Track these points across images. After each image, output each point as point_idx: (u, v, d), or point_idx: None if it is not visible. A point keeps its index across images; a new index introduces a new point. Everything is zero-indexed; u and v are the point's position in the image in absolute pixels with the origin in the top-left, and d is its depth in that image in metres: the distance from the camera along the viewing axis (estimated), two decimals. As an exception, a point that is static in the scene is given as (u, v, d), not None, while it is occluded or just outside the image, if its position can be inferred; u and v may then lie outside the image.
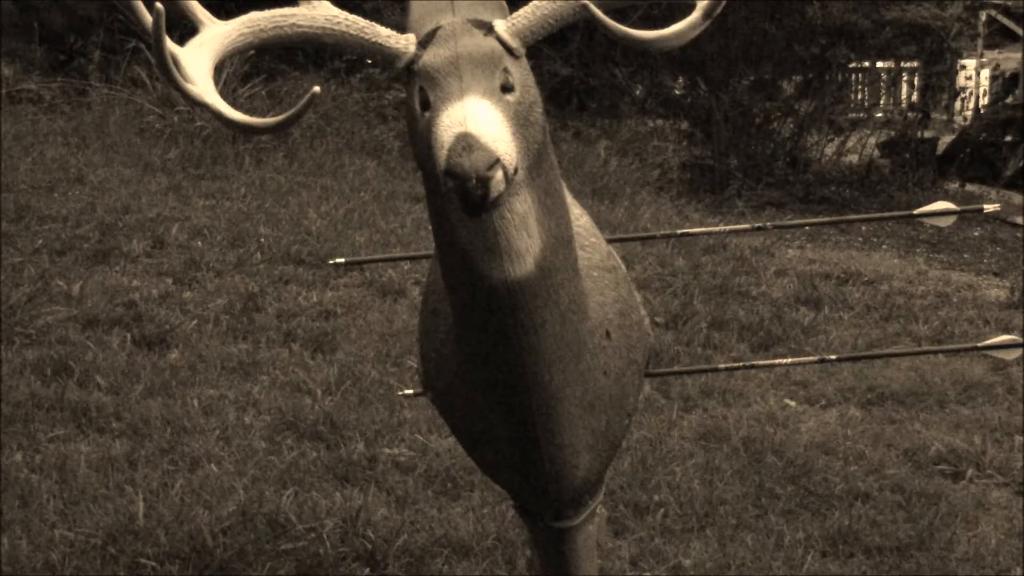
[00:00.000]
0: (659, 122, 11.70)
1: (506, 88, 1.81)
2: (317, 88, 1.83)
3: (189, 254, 6.36)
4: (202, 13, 1.93)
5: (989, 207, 3.08)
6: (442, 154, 1.72)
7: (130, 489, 3.79)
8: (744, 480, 4.06)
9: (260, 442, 4.23)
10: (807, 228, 9.16)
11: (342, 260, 3.59)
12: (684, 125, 11.56)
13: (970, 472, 4.20)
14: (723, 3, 1.85)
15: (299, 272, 6.25)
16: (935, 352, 5.28)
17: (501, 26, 1.86)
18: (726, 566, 3.49)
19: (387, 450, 4.18)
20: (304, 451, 4.17)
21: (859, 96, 12.88)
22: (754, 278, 6.75)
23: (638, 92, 11.76)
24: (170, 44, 1.81)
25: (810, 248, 8.36)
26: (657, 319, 5.90)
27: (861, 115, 12.23)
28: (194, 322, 5.39)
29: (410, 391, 3.51)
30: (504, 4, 1.97)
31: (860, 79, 12.84)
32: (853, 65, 12.06)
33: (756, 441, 4.36)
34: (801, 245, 8.42)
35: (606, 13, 1.81)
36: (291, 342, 5.28)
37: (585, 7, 1.82)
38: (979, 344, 3.14)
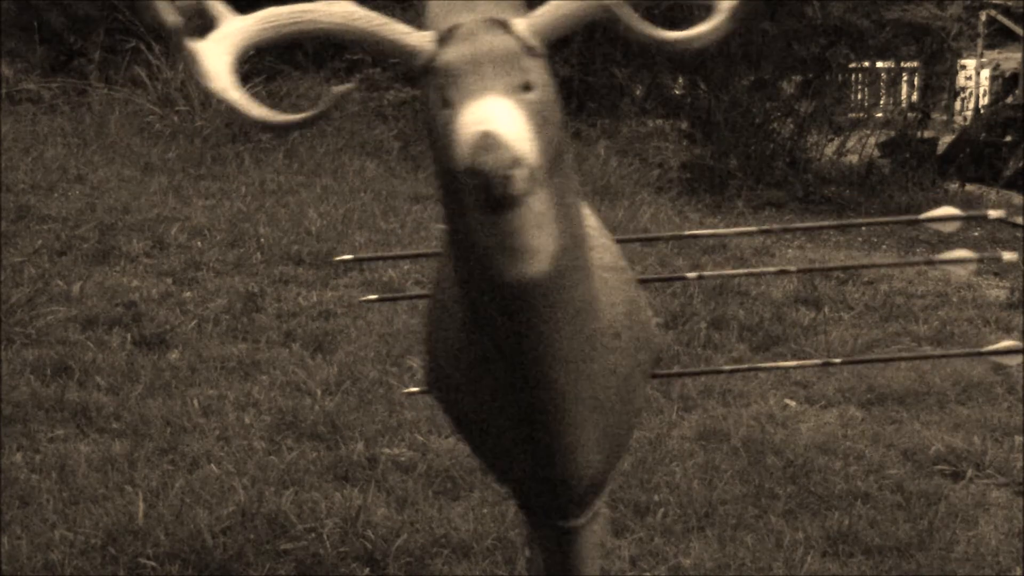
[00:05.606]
0: (659, 122, 11.68)
1: (526, 87, 1.80)
2: (350, 86, 1.83)
3: (189, 254, 6.36)
4: (221, 6, 1.92)
5: (994, 213, 3.04)
6: (463, 152, 1.70)
7: (130, 489, 3.79)
8: (744, 480, 4.06)
9: (260, 442, 4.23)
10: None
11: (349, 256, 3.57)
12: (684, 125, 11.55)
13: (970, 472, 4.20)
14: (752, 4, 1.84)
15: (299, 272, 6.25)
16: (938, 357, 5.26)
17: (521, 24, 1.85)
18: (726, 566, 3.49)
19: (387, 450, 4.17)
20: (304, 451, 4.17)
21: (859, 96, 12.87)
22: (754, 278, 6.75)
23: (638, 92, 11.75)
24: (190, 40, 1.81)
25: (810, 248, 8.35)
26: (657, 319, 5.89)
27: (861, 115, 12.22)
28: (194, 322, 5.40)
29: (414, 389, 3.49)
30: (522, 3, 1.95)
31: (860, 79, 12.83)
32: (853, 65, 12.05)
33: (756, 441, 4.36)
34: (801, 245, 8.41)
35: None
36: (291, 342, 5.28)
37: (607, 7, 1.81)
38: (981, 349, 3.11)
